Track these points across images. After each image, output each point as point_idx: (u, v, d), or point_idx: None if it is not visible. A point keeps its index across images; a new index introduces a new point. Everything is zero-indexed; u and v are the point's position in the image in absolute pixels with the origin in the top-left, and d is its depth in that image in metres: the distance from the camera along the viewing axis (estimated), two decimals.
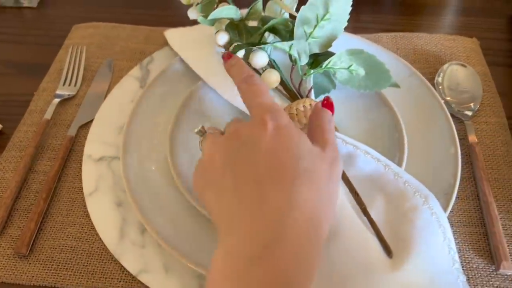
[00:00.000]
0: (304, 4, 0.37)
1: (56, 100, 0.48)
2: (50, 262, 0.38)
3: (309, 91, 0.40)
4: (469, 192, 0.41)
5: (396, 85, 0.41)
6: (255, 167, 0.26)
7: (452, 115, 0.45)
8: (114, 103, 0.48)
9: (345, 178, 0.33)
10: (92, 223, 0.40)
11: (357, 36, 0.50)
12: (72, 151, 0.45)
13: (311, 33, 0.38)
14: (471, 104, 0.46)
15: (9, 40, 0.58)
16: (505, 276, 0.36)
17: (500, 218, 0.39)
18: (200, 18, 0.41)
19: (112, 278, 0.37)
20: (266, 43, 0.38)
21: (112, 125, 0.46)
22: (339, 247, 0.29)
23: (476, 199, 0.41)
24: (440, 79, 0.48)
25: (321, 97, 0.37)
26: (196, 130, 0.32)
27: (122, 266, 0.37)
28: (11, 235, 0.39)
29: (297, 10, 0.38)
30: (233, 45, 0.39)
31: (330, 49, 0.40)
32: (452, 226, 0.39)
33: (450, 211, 0.40)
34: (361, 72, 0.39)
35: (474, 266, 0.37)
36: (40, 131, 0.45)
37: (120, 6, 0.61)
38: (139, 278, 0.36)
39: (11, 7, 0.61)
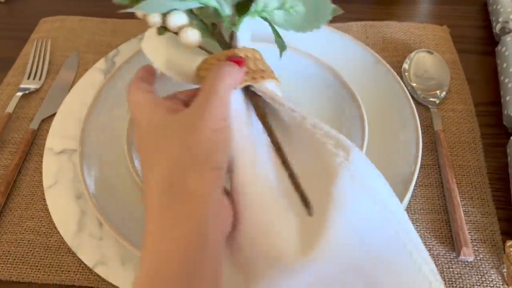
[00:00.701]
0: None
1: (19, 94, 0.48)
2: (7, 256, 0.37)
3: (232, 36, 0.33)
4: (432, 179, 0.41)
5: (337, 10, 0.36)
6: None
7: (419, 103, 0.45)
8: (78, 96, 0.47)
9: (268, 128, 0.30)
10: (50, 217, 0.39)
11: (325, 26, 0.49)
12: (34, 145, 0.44)
13: None
14: (437, 92, 0.46)
15: None
16: (466, 263, 0.36)
17: (463, 205, 0.39)
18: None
19: (69, 271, 0.37)
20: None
21: (74, 118, 0.45)
22: (245, 234, 0.27)
23: (440, 186, 0.40)
24: (406, 66, 0.47)
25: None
26: None
27: (79, 259, 0.37)
28: None
29: None
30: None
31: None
32: (414, 213, 0.39)
33: (413, 198, 0.39)
34: (300, 8, 0.33)
35: (436, 253, 0.37)
36: (1, 125, 0.45)
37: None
38: (95, 270, 0.36)
39: None
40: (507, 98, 0.43)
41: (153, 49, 0.34)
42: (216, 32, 0.34)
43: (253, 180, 0.28)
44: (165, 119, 0.28)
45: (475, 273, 0.35)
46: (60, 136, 0.44)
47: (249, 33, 0.35)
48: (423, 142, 0.40)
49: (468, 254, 0.35)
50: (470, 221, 0.38)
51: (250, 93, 0.32)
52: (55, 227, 0.39)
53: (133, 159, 0.39)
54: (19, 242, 0.38)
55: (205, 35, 0.33)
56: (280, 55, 0.37)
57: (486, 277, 0.35)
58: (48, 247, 0.38)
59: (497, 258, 0.36)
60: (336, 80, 0.43)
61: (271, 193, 0.28)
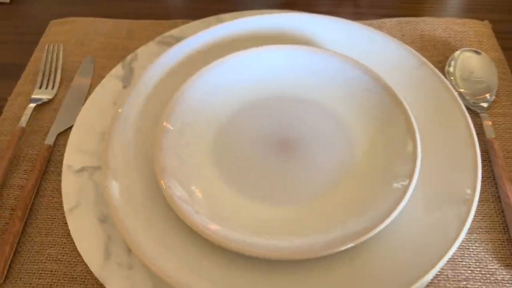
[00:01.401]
0: None
1: (32, 105, 0.44)
2: None
3: None
4: (488, 193, 0.37)
5: None
6: None
7: (467, 108, 0.41)
8: (95, 106, 0.44)
9: None
10: (73, 243, 0.36)
11: (359, 24, 0.46)
12: (51, 162, 0.41)
13: None
14: (487, 95, 0.42)
15: None
16: None
17: None
18: None
19: None
20: None
21: (93, 132, 0.42)
22: None
23: (497, 201, 0.37)
24: (451, 69, 0.43)
25: None
26: None
27: None
28: None
29: None
30: None
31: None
32: (472, 232, 0.36)
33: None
34: None
35: (499, 278, 0.33)
36: (14, 141, 0.41)
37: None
38: None
39: None
40: None
41: None
42: None
43: None
44: None
45: None
46: (79, 152, 0.41)
47: None
48: None
49: None
50: None
51: None
52: (79, 255, 0.35)
53: (167, 184, 0.35)
54: (41, 273, 0.35)
55: None
56: None
57: None
58: (73, 277, 0.35)
59: None
60: (377, 84, 0.39)
61: None
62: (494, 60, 0.45)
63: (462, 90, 0.42)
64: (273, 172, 0.37)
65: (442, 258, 0.30)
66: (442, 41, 0.48)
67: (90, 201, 0.38)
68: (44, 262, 0.35)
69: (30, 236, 0.37)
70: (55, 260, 0.35)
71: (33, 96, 0.45)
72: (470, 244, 0.35)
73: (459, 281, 0.33)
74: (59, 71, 0.47)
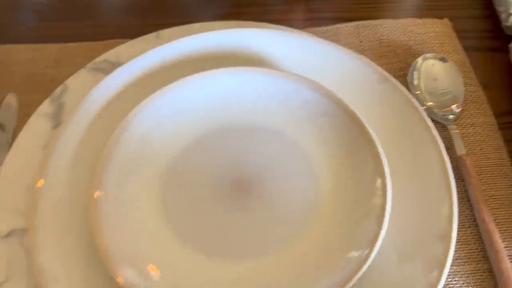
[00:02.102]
0: None
1: None
2: None
3: None
4: (464, 217, 0.35)
5: None
6: None
7: (435, 122, 0.38)
8: (22, 154, 0.38)
9: None
10: None
11: (311, 35, 0.42)
12: None
13: None
14: (454, 106, 0.39)
15: None
16: None
17: (505, 247, 0.33)
18: None
19: None
20: None
21: (21, 185, 0.36)
22: None
23: (474, 226, 0.34)
24: (415, 81, 0.40)
25: None
26: None
27: None
28: None
29: None
30: None
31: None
32: (451, 265, 0.33)
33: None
34: None
35: None
36: None
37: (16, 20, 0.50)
38: None
39: None
40: None
41: None
42: None
43: None
44: None
45: None
46: (5, 212, 0.35)
47: None
48: None
49: None
50: None
51: None
52: None
53: (104, 239, 0.30)
54: None
55: None
56: None
57: None
58: None
59: None
60: (338, 109, 0.36)
61: None
62: (458, 64, 0.42)
63: (429, 103, 0.39)
64: (231, 221, 0.33)
65: None
66: (402, 46, 0.44)
67: (22, 272, 0.32)
68: None
69: None
70: None
71: None
72: (450, 279, 0.32)
73: None
74: None
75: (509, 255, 0.33)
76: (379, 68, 0.38)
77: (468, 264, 0.33)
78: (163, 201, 0.34)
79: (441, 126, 0.39)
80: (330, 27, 0.46)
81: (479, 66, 0.43)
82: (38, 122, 0.40)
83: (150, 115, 0.36)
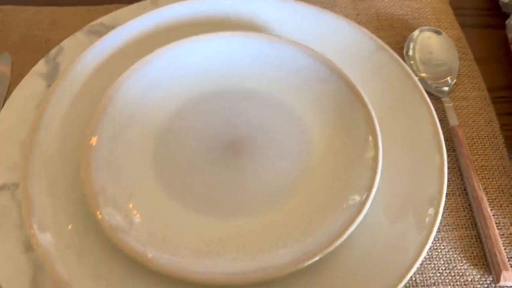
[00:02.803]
0: None
1: None
2: None
3: None
4: (454, 186, 0.35)
5: None
6: None
7: (428, 93, 0.38)
8: (15, 111, 0.38)
9: None
10: None
11: (308, 4, 0.41)
12: None
13: None
14: (448, 78, 0.39)
15: None
16: None
17: (493, 215, 0.34)
18: None
19: None
20: None
21: (14, 142, 0.36)
22: None
23: (463, 194, 0.35)
24: (411, 52, 0.40)
25: None
26: None
27: None
28: None
29: None
30: None
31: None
32: (439, 231, 0.33)
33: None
34: None
35: (469, 279, 0.31)
36: None
37: None
38: None
39: None
40: None
41: None
42: None
43: None
44: None
45: None
46: None
47: None
48: None
49: (509, 279, 0.30)
50: (503, 234, 0.33)
51: None
52: None
53: (96, 191, 0.30)
54: None
55: None
56: None
57: None
58: None
59: None
60: (333, 74, 0.36)
61: None
62: (454, 39, 0.43)
63: (423, 74, 0.39)
64: (221, 179, 0.33)
65: (407, 274, 0.27)
66: (399, 20, 0.44)
67: (12, 224, 0.32)
68: None
69: None
70: None
71: None
72: (438, 244, 0.33)
73: (428, 285, 0.31)
74: None
75: (496, 223, 0.33)
76: (375, 37, 0.38)
77: (456, 231, 0.33)
78: (155, 159, 0.34)
79: (435, 99, 0.39)
80: None
81: (475, 42, 0.43)
82: (32, 81, 0.39)
83: (144, 76, 0.36)
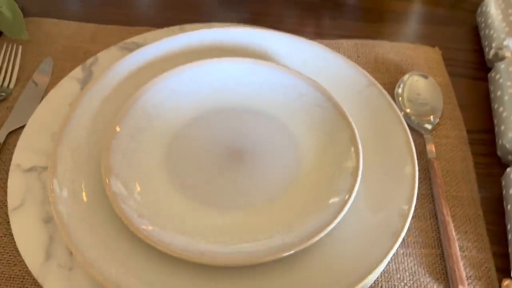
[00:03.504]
0: None
1: None
2: None
3: None
4: (426, 210, 0.39)
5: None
6: None
7: (412, 128, 0.43)
8: (51, 107, 0.44)
9: None
10: (15, 243, 0.35)
11: (315, 42, 0.47)
12: None
13: None
14: (431, 117, 0.44)
15: None
16: None
17: (457, 238, 0.37)
18: None
19: None
20: None
21: (46, 132, 0.42)
22: None
23: (433, 218, 0.39)
24: (400, 90, 0.46)
25: None
26: None
27: None
28: None
29: None
30: None
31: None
32: (408, 247, 0.37)
33: (406, 231, 0.38)
34: (9, 15, 0.42)
35: None
36: None
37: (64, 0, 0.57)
38: None
39: None
40: (502, 128, 0.42)
41: None
42: None
43: None
44: None
45: None
46: (30, 151, 0.40)
47: None
48: None
49: None
50: (465, 256, 0.37)
51: None
52: (19, 255, 0.35)
53: (110, 182, 0.35)
54: None
55: None
56: None
57: None
58: (11, 277, 0.34)
59: None
60: (328, 101, 0.41)
61: None
62: (441, 85, 0.48)
63: (408, 110, 0.44)
64: (223, 180, 0.38)
65: (379, 264, 0.32)
66: (394, 64, 0.50)
67: (36, 201, 0.38)
68: None
69: None
70: None
71: None
72: (406, 258, 0.36)
73: None
74: (16, 70, 0.47)
75: (460, 246, 0.37)
76: (368, 74, 0.43)
77: (423, 248, 0.37)
78: (166, 157, 0.39)
79: (418, 134, 0.44)
80: (332, 41, 0.52)
81: (461, 90, 0.48)
82: (68, 83, 0.46)
83: (165, 87, 0.42)
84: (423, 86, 0.46)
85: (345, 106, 0.40)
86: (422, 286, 0.35)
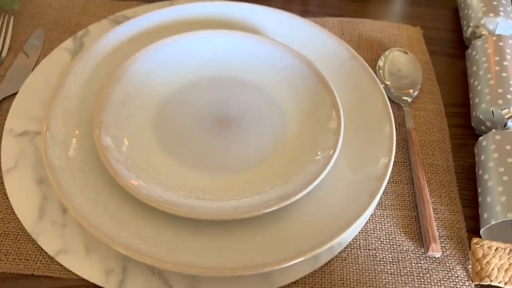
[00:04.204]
0: None
1: None
2: None
3: None
4: (403, 176, 0.41)
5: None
6: None
7: (392, 101, 0.45)
8: (42, 75, 0.45)
9: None
10: (9, 202, 0.37)
11: (303, 19, 0.49)
12: None
13: None
14: (411, 91, 0.46)
15: None
16: (434, 259, 0.37)
17: (432, 202, 0.40)
18: None
19: (28, 260, 0.34)
20: None
21: (38, 98, 0.43)
22: None
23: (410, 183, 0.41)
24: (381, 64, 0.48)
25: None
26: None
27: (39, 247, 0.35)
28: None
29: None
30: None
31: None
32: (385, 209, 0.39)
33: (384, 195, 0.40)
34: None
35: (405, 249, 0.37)
36: None
37: None
38: (57, 259, 0.34)
39: None
40: (476, 100, 0.44)
41: None
42: None
43: None
44: None
45: (442, 269, 0.36)
46: (22, 117, 0.42)
47: None
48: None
49: (436, 250, 0.36)
50: (438, 218, 0.39)
51: None
52: (14, 213, 0.36)
53: (102, 143, 0.37)
54: None
55: None
56: None
57: (453, 272, 0.36)
58: (5, 233, 0.36)
59: (463, 255, 0.37)
60: (312, 72, 0.43)
61: None
62: (421, 62, 0.50)
63: (388, 82, 0.46)
64: (210, 144, 0.40)
65: (357, 219, 0.34)
66: (377, 41, 0.52)
67: (29, 163, 0.39)
68: None
69: None
70: None
71: None
72: (383, 219, 0.39)
73: (369, 249, 0.37)
74: (8, 39, 0.48)
75: (434, 209, 0.39)
76: (351, 49, 0.45)
77: (400, 210, 0.39)
78: (155, 121, 0.41)
79: (398, 106, 0.46)
80: (318, 19, 0.53)
81: (440, 67, 0.50)
82: (59, 54, 0.47)
83: (155, 57, 0.43)
84: (403, 61, 0.48)
85: (328, 78, 0.42)
86: (398, 244, 0.37)
